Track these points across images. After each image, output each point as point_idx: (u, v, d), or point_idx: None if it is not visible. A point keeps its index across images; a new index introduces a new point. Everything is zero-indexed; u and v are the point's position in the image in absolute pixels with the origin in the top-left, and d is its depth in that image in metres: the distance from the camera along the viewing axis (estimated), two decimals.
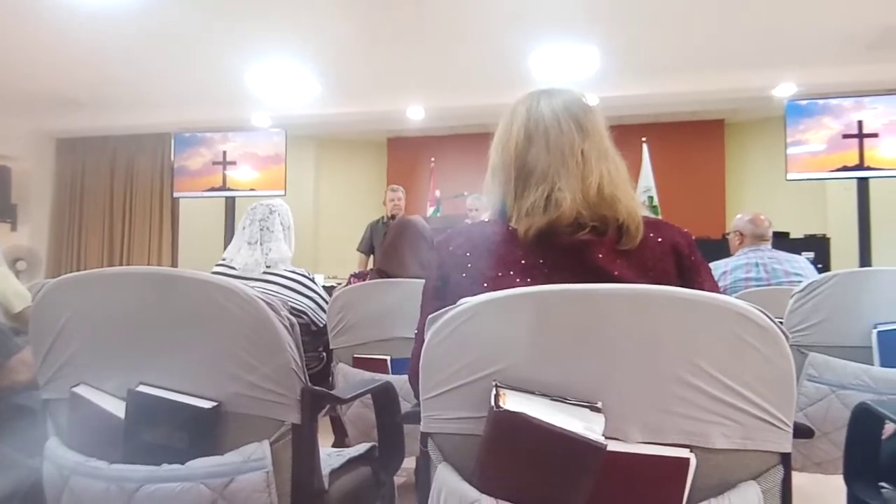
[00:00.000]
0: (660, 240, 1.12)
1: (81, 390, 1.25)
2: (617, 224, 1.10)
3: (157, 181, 7.47)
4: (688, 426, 0.85)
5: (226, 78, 5.77)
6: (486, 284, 1.09)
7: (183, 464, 1.16)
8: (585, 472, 0.82)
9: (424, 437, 1.02)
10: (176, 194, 5.40)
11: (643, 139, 6.20)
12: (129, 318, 1.25)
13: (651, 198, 6.22)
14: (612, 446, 0.83)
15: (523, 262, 1.11)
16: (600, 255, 1.08)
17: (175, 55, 5.29)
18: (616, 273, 1.06)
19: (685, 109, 6.77)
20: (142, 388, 1.21)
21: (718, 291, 1.01)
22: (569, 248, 1.09)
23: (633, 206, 1.12)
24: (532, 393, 0.87)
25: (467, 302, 0.93)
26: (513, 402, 0.85)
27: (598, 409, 0.85)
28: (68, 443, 1.28)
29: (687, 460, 0.84)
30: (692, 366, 0.84)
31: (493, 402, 0.85)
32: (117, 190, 7.58)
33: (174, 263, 7.38)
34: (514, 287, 0.92)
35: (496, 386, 0.87)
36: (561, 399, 0.86)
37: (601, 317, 0.88)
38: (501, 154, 1.22)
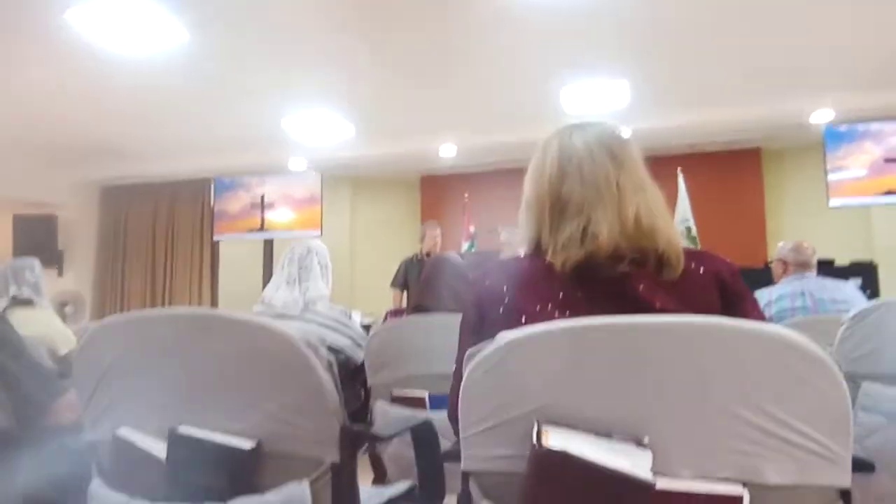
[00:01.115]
0: (702, 270, 1.10)
1: (124, 432, 1.27)
2: (657, 255, 1.07)
3: (198, 224, 7.65)
4: (739, 461, 0.82)
5: (263, 124, 5.91)
6: (524, 319, 1.07)
7: None
8: None
9: (465, 475, 1.00)
10: (216, 237, 5.53)
11: (679, 169, 6.14)
12: (170, 359, 1.27)
13: (689, 228, 6.12)
14: (661, 484, 0.80)
15: (561, 295, 1.09)
16: (641, 287, 1.05)
17: (215, 103, 5.46)
18: (658, 305, 1.03)
19: (720, 139, 6.70)
20: (182, 430, 1.22)
21: (765, 321, 0.98)
22: (608, 280, 1.07)
23: (672, 237, 1.10)
24: (575, 429, 0.85)
25: (505, 337, 0.91)
26: (556, 439, 0.83)
27: (644, 446, 0.82)
28: (111, 484, 1.29)
29: (740, 497, 0.80)
30: (742, 398, 0.82)
31: (534, 440, 0.83)
32: (159, 234, 7.79)
33: (214, 304, 7.50)
34: (552, 321, 0.91)
35: (538, 423, 0.86)
36: (605, 435, 0.84)
37: (645, 350, 0.86)
38: (535, 187, 1.21)
